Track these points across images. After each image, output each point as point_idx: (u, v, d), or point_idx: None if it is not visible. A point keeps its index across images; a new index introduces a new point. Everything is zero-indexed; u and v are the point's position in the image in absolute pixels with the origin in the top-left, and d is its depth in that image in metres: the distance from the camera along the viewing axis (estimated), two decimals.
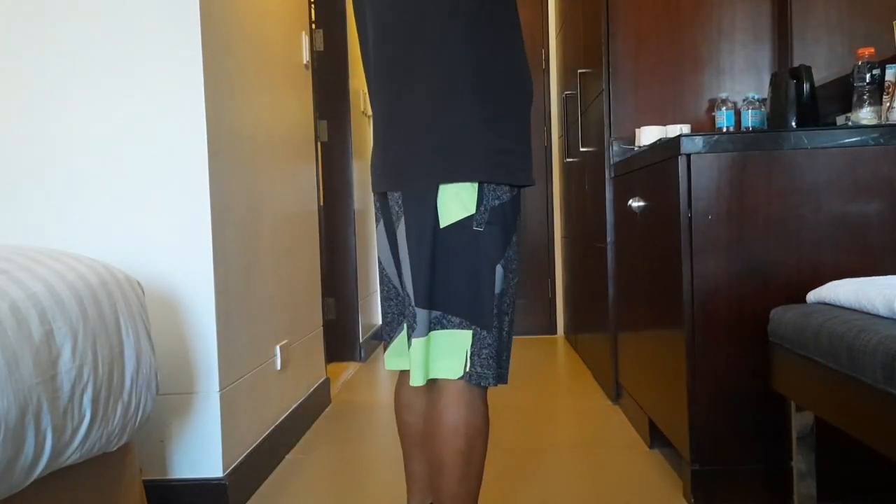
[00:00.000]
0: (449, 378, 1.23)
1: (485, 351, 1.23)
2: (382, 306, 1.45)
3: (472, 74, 1.22)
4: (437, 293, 1.24)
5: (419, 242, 1.23)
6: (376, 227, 1.43)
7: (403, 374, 1.43)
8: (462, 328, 1.23)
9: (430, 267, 1.23)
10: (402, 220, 1.26)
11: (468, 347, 1.23)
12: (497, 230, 1.24)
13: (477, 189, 1.22)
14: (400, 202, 1.26)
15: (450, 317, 1.24)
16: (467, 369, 1.22)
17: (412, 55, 1.24)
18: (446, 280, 1.23)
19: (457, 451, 1.22)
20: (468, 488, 1.24)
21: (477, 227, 1.23)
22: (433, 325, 1.24)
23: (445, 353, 1.23)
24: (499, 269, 1.24)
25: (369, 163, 1.49)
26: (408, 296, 1.26)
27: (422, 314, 1.23)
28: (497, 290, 1.23)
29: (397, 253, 1.35)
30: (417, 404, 1.40)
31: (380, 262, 1.43)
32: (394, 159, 1.28)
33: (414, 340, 1.24)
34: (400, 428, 1.45)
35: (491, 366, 1.23)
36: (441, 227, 1.22)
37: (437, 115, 1.22)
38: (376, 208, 1.42)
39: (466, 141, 1.22)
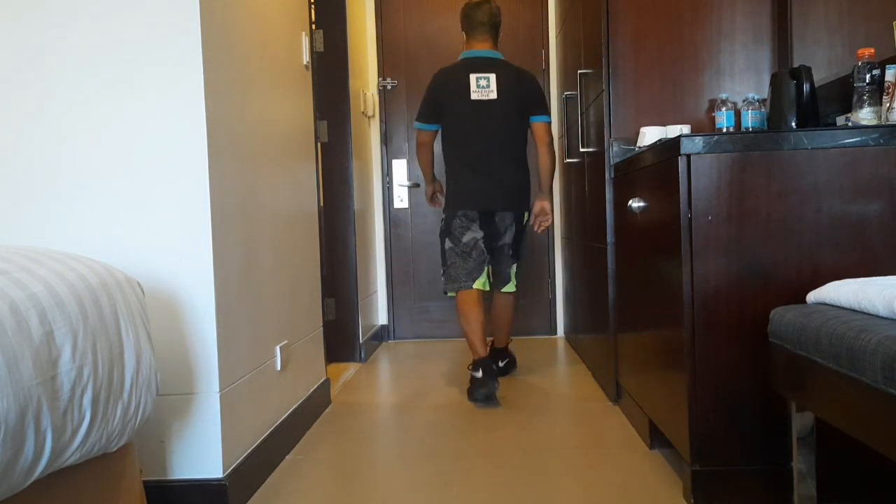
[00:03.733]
0: (513, 290, 3.19)
1: (516, 274, 3.19)
2: (468, 262, 3.00)
3: (526, 161, 3.12)
4: (517, 251, 3.14)
5: (518, 231, 3.11)
6: (470, 226, 3.02)
7: (477, 290, 3.01)
8: (514, 263, 3.15)
9: (520, 241, 3.14)
10: (514, 224, 3.09)
11: (514, 273, 3.17)
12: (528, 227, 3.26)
13: (529, 213, 3.18)
14: (514, 220, 3.09)
15: (513, 261, 3.14)
16: (515, 283, 3.19)
17: (511, 146, 3.03)
18: (520, 245, 3.15)
19: (513, 311, 3.25)
20: (510, 327, 3.30)
21: (527, 224, 3.18)
22: (512, 265, 3.14)
23: (516, 276, 3.16)
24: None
25: (459, 189, 3.06)
26: (508, 253, 3.11)
27: (514, 260, 3.14)
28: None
29: (498, 236, 3.10)
30: (481, 302, 3.00)
31: (471, 241, 3.01)
32: (506, 198, 3.02)
33: (510, 271, 3.13)
34: (472, 315, 2.96)
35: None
36: (522, 224, 3.13)
37: (520, 179, 3.06)
38: (469, 218, 3.02)
39: (528, 194, 3.12)
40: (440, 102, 3.01)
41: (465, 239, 2.98)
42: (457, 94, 2.97)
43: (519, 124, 3.02)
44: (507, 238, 3.06)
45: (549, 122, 3.08)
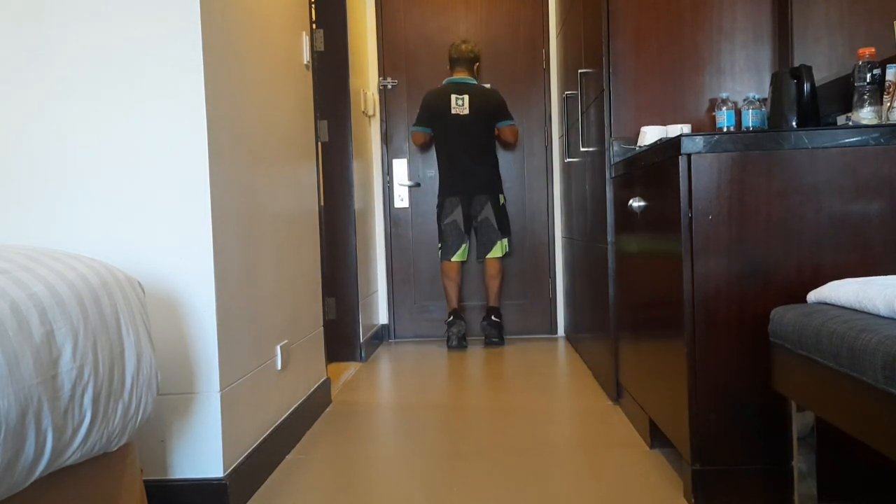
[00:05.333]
0: (501, 256, 4.14)
1: (508, 244, 4.19)
2: (448, 240, 4.10)
3: (494, 157, 4.21)
4: (501, 226, 4.12)
5: (496, 212, 4.11)
6: (453, 209, 4.09)
7: (459, 263, 4.15)
8: (504, 237, 4.13)
9: (500, 219, 4.12)
10: (489, 205, 4.09)
11: (507, 244, 4.15)
12: (506, 208, 4.27)
13: (503, 197, 4.21)
14: (488, 200, 4.09)
15: (502, 235, 4.12)
16: (506, 251, 4.17)
17: (480, 149, 4.11)
18: (502, 222, 4.13)
19: (502, 273, 4.18)
20: (501, 291, 4.22)
21: (503, 204, 4.19)
22: (501, 238, 4.12)
23: (502, 247, 4.12)
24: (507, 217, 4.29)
25: (444, 181, 4.16)
26: (493, 227, 4.09)
27: (500, 235, 4.11)
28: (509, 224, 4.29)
29: (474, 216, 4.12)
30: (459, 270, 4.18)
31: (451, 223, 4.10)
32: (478, 185, 4.09)
33: (497, 242, 4.10)
34: (451, 276, 4.14)
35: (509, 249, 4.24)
36: (498, 206, 4.14)
37: (489, 171, 4.14)
38: (453, 203, 4.10)
39: (499, 182, 4.18)
40: (431, 115, 4.14)
41: (448, 220, 4.11)
42: (442, 109, 4.09)
43: (486, 131, 4.11)
44: (487, 214, 4.10)
45: (513, 124, 4.19)
